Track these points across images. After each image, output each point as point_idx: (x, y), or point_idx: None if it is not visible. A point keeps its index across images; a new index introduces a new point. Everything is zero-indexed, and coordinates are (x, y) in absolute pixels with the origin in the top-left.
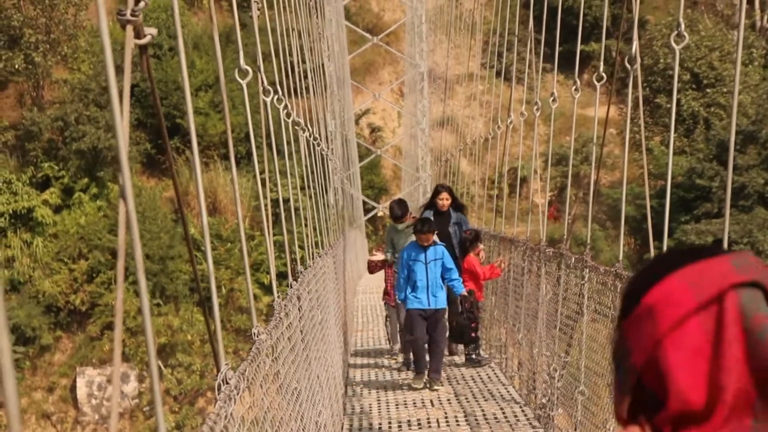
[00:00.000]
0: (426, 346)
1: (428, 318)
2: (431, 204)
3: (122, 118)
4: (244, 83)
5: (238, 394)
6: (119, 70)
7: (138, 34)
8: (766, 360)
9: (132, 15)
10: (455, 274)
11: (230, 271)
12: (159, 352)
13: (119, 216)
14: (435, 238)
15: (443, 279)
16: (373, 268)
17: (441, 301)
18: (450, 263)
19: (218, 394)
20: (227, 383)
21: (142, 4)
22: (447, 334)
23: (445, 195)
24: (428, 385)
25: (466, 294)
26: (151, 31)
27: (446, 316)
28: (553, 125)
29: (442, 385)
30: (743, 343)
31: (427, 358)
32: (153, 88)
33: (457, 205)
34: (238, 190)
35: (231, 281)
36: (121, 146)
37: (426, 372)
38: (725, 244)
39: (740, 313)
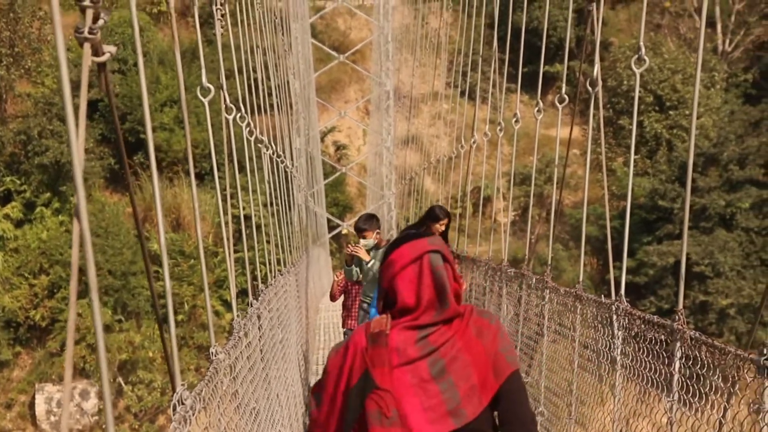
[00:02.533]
0: None
1: None
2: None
3: (77, 134)
4: (206, 101)
5: (193, 414)
6: (81, 86)
7: (96, 52)
8: (440, 284)
9: (90, 33)
10: None
11: (193, 287)
12: (120, 369)
13: (73, 234)
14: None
15: None
16: (335, 292)
17: None
18: None
19: (173, 414)
20: (183, 404)
21: (100, 22)
22: None
23: (444, 222)
24: None
25: None
26: (109, 49)
27: None
28: (518, 145)
29: None
30: (431, 277)
31: None
32: (111, 105)
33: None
34: (198, 207)
35: (194, 297)
36: (76, 164)
37: None
38: (683, 265)
39: (430, 263)
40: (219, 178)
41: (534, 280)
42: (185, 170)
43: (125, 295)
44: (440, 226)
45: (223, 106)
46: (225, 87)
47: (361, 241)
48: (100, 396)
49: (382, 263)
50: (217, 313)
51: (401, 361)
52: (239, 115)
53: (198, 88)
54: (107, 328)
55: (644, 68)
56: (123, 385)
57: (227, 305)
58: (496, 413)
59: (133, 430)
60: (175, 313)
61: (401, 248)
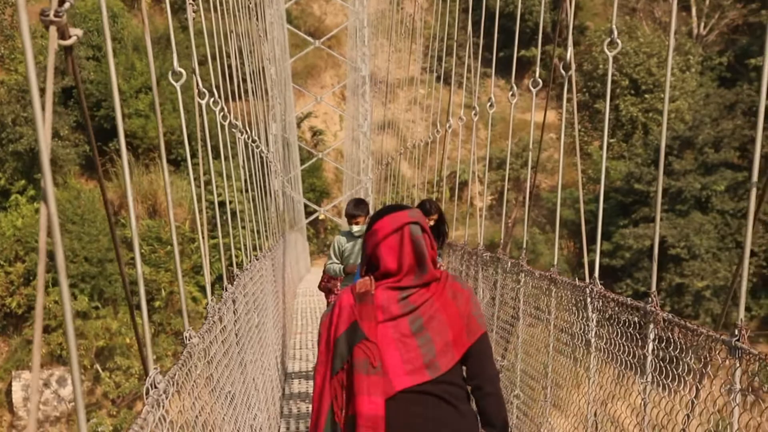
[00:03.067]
0: None
1: None
2: None
3: (44, 120)
4: (177, 86)
5: (166, 398)
6: (56, 71)
7: (63, 35)
8: (419, 252)
9: (56, 16)
10: None
11: (170, 273)
12: (97, 355)
13: (40, 219)
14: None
15: None
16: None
17: None
18: None
19: (146, 398)
20: (155, 387)
21: (66, 5)
22: None
23: (434, 218)
24: None
25: None
26: (76, 32)
27: None
28: (494, 129)
29: None
30: (411, 246)
31: None
32: (79, 89)
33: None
34: (171, 194)
35: (171, 284)
36: (43, 149)
37: None
38: (656, 247)
39: (410, 233)
40: (194, 164)
41: (509, 264)
42: (162, 156)
43: (102, 281)
44: (429, 221)
45: (196, 91)
46: (198, 71)
47: (354, 227)
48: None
49: (366, 233)
50: (194, 299)
51: (385, 318)
52: (212, 100)
53: (170, 73)
54: (84, 315)
55: (617, 51)
56: (100, 371)
57: (205, 291)
58: (464, 368)
59: (110, 416)
60: (152, 299)
61: (384, 219)
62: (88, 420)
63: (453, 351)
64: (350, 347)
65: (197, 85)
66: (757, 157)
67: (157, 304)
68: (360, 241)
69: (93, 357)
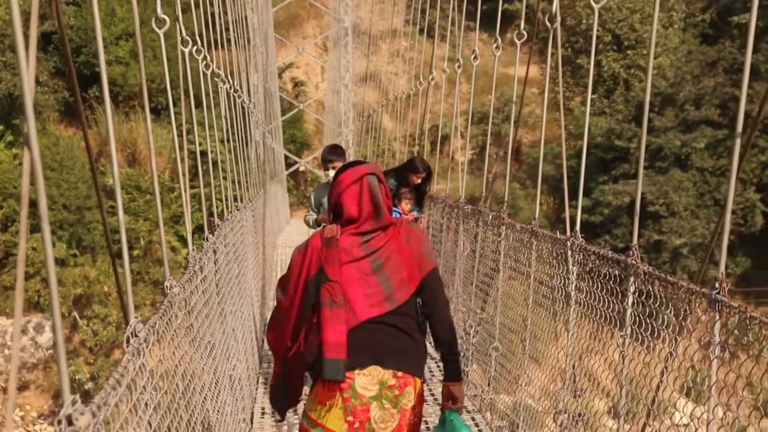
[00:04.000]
0: None
1: None
2: (400, 178)
3: (28, 64)
4: (161, 33)
5: (147, 347)
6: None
7: None
8: (375, 199)
9: None
10: None
11: (149, 222)
12: (75, 303)
13: (23, 164)
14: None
15: None
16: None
17: None
18: None
19: (127, 347)
20: (136, 336)
21: None
22: None
23: (423, 175)
24: None
25: None
26: None
27: None
28: (477, 83)
29: None
30: (369, 194)
31: None
32: (63, 36)
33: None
34: (153, 142)
35: (150, 233)
36: (26, 94)
37: None
38: (638, 201)
39: (368, 183)
40: (175, 113)
41: (490, 216)
42: (141, 104)
43: (80, 229)
44: (417, 179)
45: (179, 38)
46: (181, 19)
47: (330, 172)
48: (56, 330)
49: (332, 185)
50: (173, 249)
51: (348, 259)
52: (195, 48)
53: (153, 20)
54: (62, 263)
55: (602, 3)
56: (78, 319)
57: (184, 241)
58: (419, 299)
59: (88, 364)
60: (131, 248)
61: (346, 172)
62: None
63: (408, 285)
64: (317, 288)
65: (180, 32)
66: (741, 113)
67: (135, 253)
68: None
69: (71, 305)
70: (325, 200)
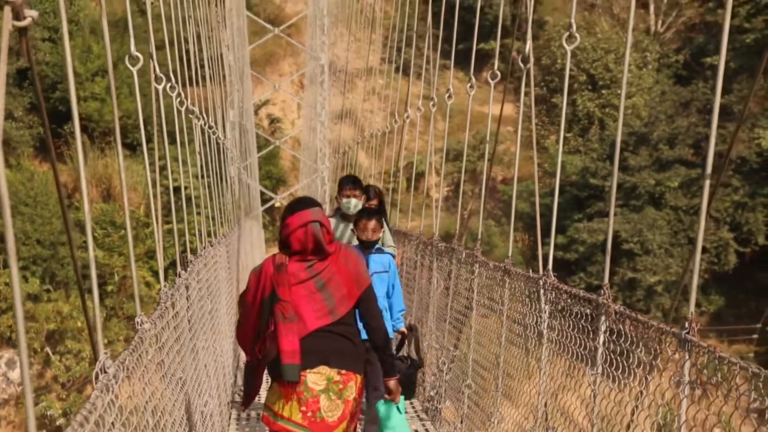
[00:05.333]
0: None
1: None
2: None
3: None
4: (134, 70)
5: (116, 383)
6: (10, 52)
7: (18, 16)
8: (318, 242)
9: None
10: (398, 301)
11: (124, 258)
12: (47, 339)
13: None
14: (384, 240)
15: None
16: None
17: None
18: (398, 281)
19: (96, 383)
20: (105, 372)
21: None
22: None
23: (374, 203)
24: None
25: (405, 330)
26: (31, 14)
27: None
28: (453, 121)
29: None
30: (312, 237)
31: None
32: (33, 71)
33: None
34: (125, 179)
35: (124, 268)
36: None
37: None
38: (609, 240)
39: (312, 229)
40: (149, 149)
41: (464, 254)
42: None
43: (54, 264)
44: (370, 203)
45: (153, 76)
46: (155, 56)
47: (351, 200)
48: (29, 366)
49: (281, 223)
50: (148, 284)
51: (296, 282)
52: (169, 85)
53: (126, 57)
54: (35, 298)
55: (575, 45)
56: (51, 354)
57: (158, 276)
58: (358, 311)
59: (60, 399)
60: (105, 283)
61: (293, 217)
62: (37, 404)
63: (347, 300)
64: (272, 306)
65: (154, 69)
66: (711, 152)
67: (109, 288)
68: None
69: (43, 340)
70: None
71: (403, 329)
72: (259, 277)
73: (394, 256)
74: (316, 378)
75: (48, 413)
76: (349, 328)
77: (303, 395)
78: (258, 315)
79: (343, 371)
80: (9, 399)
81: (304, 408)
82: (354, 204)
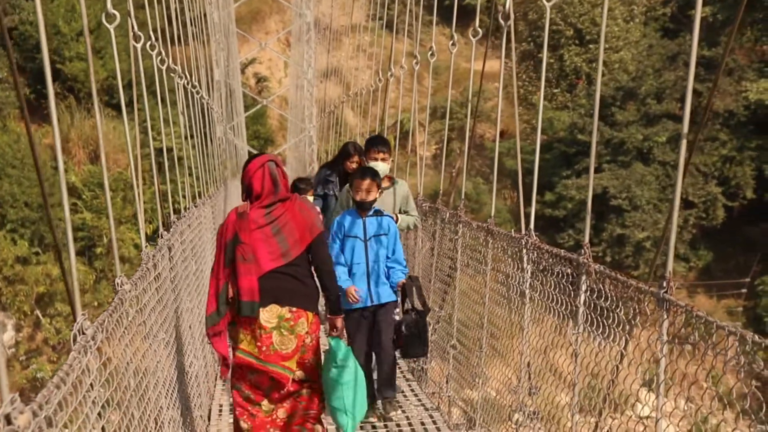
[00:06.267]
0: (373, 357)
1: (371, 318)
2: (334, 166)
3: None
4: (111, 27)
5: (95, 345)
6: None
7: None
8: (274, 178)
9: None
10: (399, 255)
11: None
12: (37, 302)
13: None
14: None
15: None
16: None
17: (387, 294)
18: (399, 244)
19: (73, 344)
20: (83, 333)
21: None
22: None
23: (356, 159)
24: (381, 411)
25: (408, 280)
26: None
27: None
28: (441, 78)
29: (399, 408)
30: (269, 175)
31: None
32: (3, 30)
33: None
34: (102, 138)
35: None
36: None
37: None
38: (590, 198)
39: (268, 168)
40: (138, 109)
41: (448, 214)
42: (104, 101)
43: (42, 227)
44: (351, 164)
45: (131, 34)
46: (132, 14)
47: (380, 164)
48: (17, 328)
49: (242, 173)
50: (136, 246)
51: (255, 227)
52: (149, 43)
53: (103, 15)
54: (24, 261)
55: (554, 1)
56: (41, 317)
57: (147, 238)
58: (310, 256)
59: (51, 362)
60: (94, 245)
61: (254, 161)
62: (27, 366)
63: (300, 245)
64: (234, 248)
65: (132, 27)
66: (688, 110)
67: (98, 250)
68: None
69: (33, 303)
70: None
71: (402, 281)
72: (225, 225)
73: (394, 219)
74: (267, 316)
75: (38, 375)
76: (301, 269)
77: (257, 332)
78: (223, 258)
79: (294, 309)
80: None
81: (259, 343)
82: (381, 169)
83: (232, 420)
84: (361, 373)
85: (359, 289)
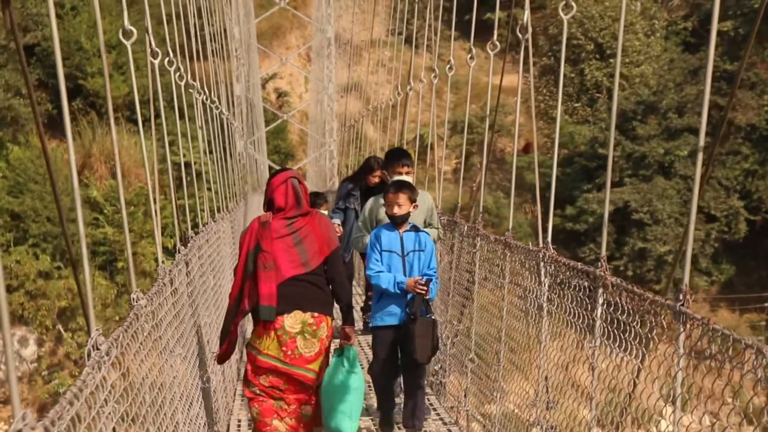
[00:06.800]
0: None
1: (403, 336)
2: (356, 180)
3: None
4: (128, 44)
5: (109, 360)
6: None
7: None
8: (297, 194)
9: None
10: (435, 270)
11: (133, 234)
12: (59, 316)
13: None
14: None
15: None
16: None
17: (423, 311)
18: (434, 261)
19: (87, 360)
20: (97, 349)
21: None
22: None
23: (379, 174)
24: None
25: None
26: None
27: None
28: (461, 93)
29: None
30: (292, 190)
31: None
32: (17, 42)
33: None
34: (118, 154)
35: (134, 245)
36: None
37: (396, 409)
38: (606, 211)
39: (291, 183)
40: (156, 125)
41: (466, 228)
42: (125, 116)
43: (64, 242)
44: (374, 178)
45: (149, 50)
46: (150, 30)
47: (405, 177)
48: (39, 343)
49: (266, 187)
50: (157, 261)
51: (277, 236)
52: (167, 59)
53: (120, 31)
54: (46, 275)
55: (571, 15)
56: (63, 332)
57: (168, 252)
58: (326, 268)
59: (72, 376)
60: (115, 260)
61: (277, 176)
62: (49, 381)
63: (318, 256)
64: (256, 256)
65: (149, 44)
66: (704, 123)
67: (120, 265)
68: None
69: (55, 317)
70: (379, 215)
71: (429, 279)
72: (248, 233)
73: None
74: (291, 322)
75: (60, 390)
76: (320, 278)
77: (282, 337)
78: (244, 267)
79: (316, 314)
80: (22, 377)
81: (284, 348)
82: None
83: None
84: (363, 380)
85: (393, 308)
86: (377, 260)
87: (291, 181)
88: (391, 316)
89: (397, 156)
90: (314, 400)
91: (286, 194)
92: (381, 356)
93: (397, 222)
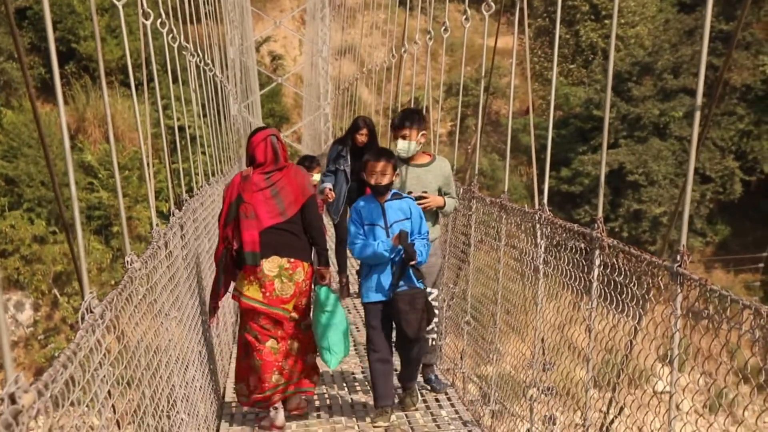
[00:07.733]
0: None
1: (391, 312)
2: (345, 141)
3: None
4: (120, 5)
5: (103, 323)
6: None
7: None
8: (275, 149)
9: None
10: (426, 234)
11: (128, 199)
12: (55, 280)
13: None
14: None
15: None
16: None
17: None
18: (424, 225)
19: (81, 323)
20: (91, 312)
21: None
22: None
23: (365, 132)
24: (402, 407)
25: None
26: None
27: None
28: (457, 55)
29: (417, 403)
30: (271, 146)
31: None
32: (7, 6)
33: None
34: (110, 116)
35: (129, 209)
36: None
37: (391, 401)
38: (602, 173)
39: (270, 140)
40: (151, 88)
41: (461, 190)
42: (119, 80)
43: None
44: (361, 137)
45: (140, 12)
46: None
47: (401, 142)
48: (36, 308)
49: (247, 144)
50: (152, 225)
51: (257, 189)
52: (159, 21)
53: None
54: (41, 240)
55: None
56: (58, 296)
57: (163, 216)
58: (301, 215)
59: (69, 340)
60: (110, 224)
61: (257, 134)
62: (46, 345)
63: (294, 206)
64: (237, 206)
65: (141, 5)
66: (701, 83)
67: (115, 229)
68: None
69: (51, 282)
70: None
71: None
72: (230, 186)
73: (414, 200)
74: (270, 266)
75: (57, 354)
76: (296, 226)
77: (261, 279)
78: (228, 212)
79: (292, 259)
80: (18, 341)
81: (263, 289)
82: (408, 148)
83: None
84: (345, 317)
85: (382, 282)
86: (360, 234)
87: (270, 139)
88: (378, 291)
89: (400, 118)
90: (301, 336)
91: (265, 150)
92: (374, 330)
93: (379, 192)
